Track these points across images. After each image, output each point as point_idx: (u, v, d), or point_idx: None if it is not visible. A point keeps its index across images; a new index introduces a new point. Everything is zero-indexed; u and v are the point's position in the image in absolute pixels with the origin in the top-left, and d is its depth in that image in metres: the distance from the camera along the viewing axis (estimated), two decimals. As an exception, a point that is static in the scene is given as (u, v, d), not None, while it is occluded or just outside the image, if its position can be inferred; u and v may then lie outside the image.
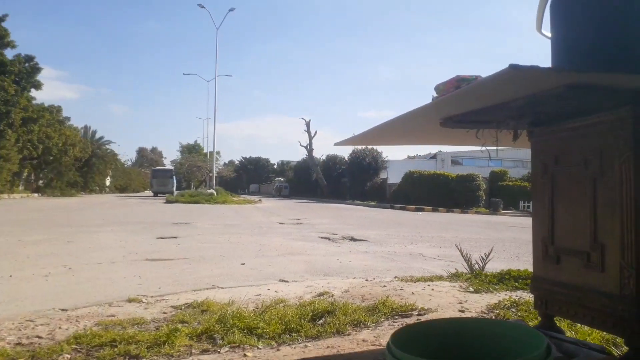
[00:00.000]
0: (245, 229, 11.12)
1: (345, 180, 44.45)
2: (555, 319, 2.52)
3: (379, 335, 3.01)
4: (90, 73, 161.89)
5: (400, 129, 3.00)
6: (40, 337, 2.90)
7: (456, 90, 2.13)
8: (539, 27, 2.40)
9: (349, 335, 3.03)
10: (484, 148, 3.00)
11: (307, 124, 46.98)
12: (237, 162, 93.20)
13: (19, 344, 2.77)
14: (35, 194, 36.84)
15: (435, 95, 2.40)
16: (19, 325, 3.14)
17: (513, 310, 3.56)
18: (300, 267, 5.84)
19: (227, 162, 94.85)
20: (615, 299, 1.95)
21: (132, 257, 6.42)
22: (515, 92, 1.98)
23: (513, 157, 40.05)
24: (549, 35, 2.23)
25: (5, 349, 2.62)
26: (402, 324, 3.22)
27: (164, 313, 3.50)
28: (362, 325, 3.21)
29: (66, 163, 40.36)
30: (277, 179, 68.92)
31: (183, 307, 3.64)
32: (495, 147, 2.91)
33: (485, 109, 2.27)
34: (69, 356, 2.55)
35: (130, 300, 3.87)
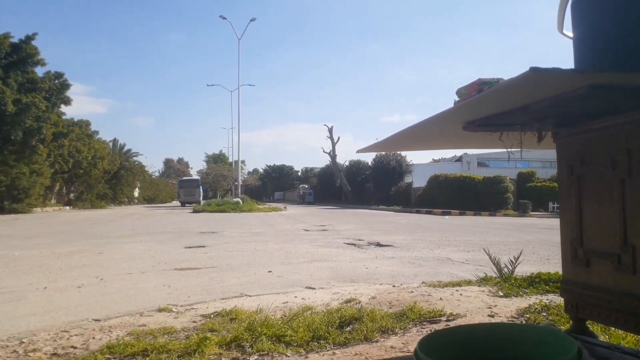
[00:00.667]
0: (271, 237, 11.19)
1: (370, 185, 44.32)
2: (587, 322, 2.47)
3: (407, 342, 2.99)
4: (116, 87, 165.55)
5: (423, 134, 2.99)
6: (74, 347, 2.97)
7: (478, 94, 2.12)
8: (561, 28, 2.37)
9: (377, 342, 3.02)
10: (509, 150, 2.97)
11: (330, 131, 47.06)
12: (261, 171, 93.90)
13: (54, 354, 2.85)
14: (67, 207, 37.79)
15: (457, 99, 2.39)
16: (54, 335, 3.24)
17: (544, 314, 3.50)
18: (326, 274, 5.85)
19: (251, 170, 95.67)
20: (648, 302, 1.91)
21: (161, 267, 6.53)
22: (538, 95, 1.96)
23: (541, 158, 39.30)
24: (571, 35, 2.21)
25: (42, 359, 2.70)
26: (430, 330, 3.20)
27: (194, 322, 3.55)
28: (390, 332, 3.20)
29: (95, 176, 41.31)
30: (301, 185, 69.16)
31: (212, 316, 3.68)
32: (519, 149, 2.88)
33: (508, 112, 2.25)
34: (102, 366, 2.62)
35: (160, 310, 3.94)
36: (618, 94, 1.82)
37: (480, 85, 2.19)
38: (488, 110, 2.28)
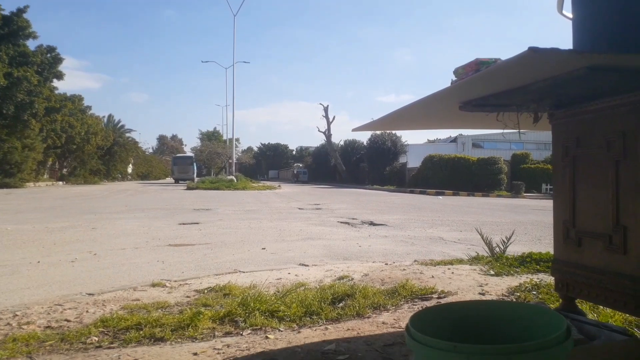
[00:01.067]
0: (265, 215, 11.21)
1: (364, 165, 44.32)
2: (576, 301, 2.50)
3: (399, 318, 3.03)
4: (110, 62, 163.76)
5: (419, 113, 2.98)
6: (68, 321, 2.99)
7: (476, 73, 2.10)
8: (560, 8, 2.35)
9: (368, 317, 3.06)
10: (504, 131, 2.97)
11: (326, 110, 46.80)
12: (255, 149, 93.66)
13: (48, 327, 2.87)
14: (60, 182, 37.63)
15: (454, 78, 2.37)
16: (48, 309, 3.25)
17: (534, 292, 3.55)
18: (319, 252, 5.88)
19: (245, 148, 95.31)
20: (637, 281, 1.94)
21: (155, 242, 6.54)
22: (536, 75, 1.95)
23: (535, 140, 39.38)
24: (570, 16, 2.19)
25: (36, 332, 2.71)
26: (421, 307, 3.24)
27: (187, 297, 3.57)
28: (381, 308, 3.24)
29: (89, 151, 41.05)
30: (295, 164, 69.09)
31: (206, 291, 3.71)
32: (516, 130, 2.87)
33: (505, 92, 2.24)
34: (96, 339, 2.64)
35: (154, 285, 3.96)
36: (616, 76, 1.81)
37: (478, 65, 2.17)
38: (485, 90, 2.27)
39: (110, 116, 60.96)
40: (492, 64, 2.08)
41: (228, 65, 57.26)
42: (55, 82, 33.44)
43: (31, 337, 2.61)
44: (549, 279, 3.91)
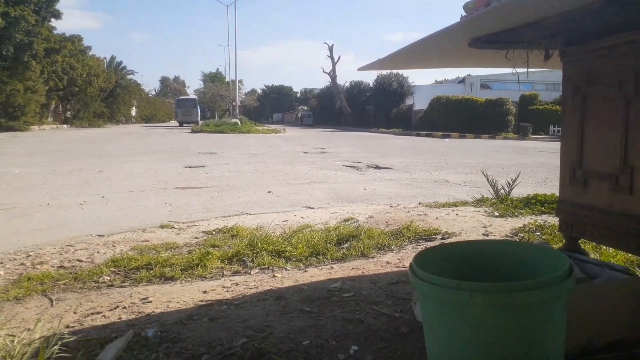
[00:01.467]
0: (271, 158, 11.23)
1: (370, 107, 43.79)
2: (580, 242, 2.53)
3: (403, 258, 3.09)
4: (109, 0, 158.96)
5: (428, 50, 2.90)
6: (80, 261, 3.07)
7: (486, 7, 2.02)
8: None
9: (373, 257, 3.12)
10: (514, 71, 2.90)
11: (330, 49, 45.66)
12: (259, 91, 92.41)
13: (61, 266, 2.95)
14: (64, 125, 37.59)
15: (464, 14, 2.29)
16: (60, 249, 3.33)
17: (538, 233, 3.59)
18: (325, 195, 5.93)
19: (249, 91, 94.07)
20: (642, 222, 1.94)
21: (162, 185, 6.60)
22: (549, 9, 1.88)
23: (544, 80, 38.51)
24: None
25: (50, 272, 2.79)
26: (425, 247, 3.29)
27: (196, 238, 3.64)
28: (386, 249, 3.30)
29: (91, 94, 40.69)
30: (300, 107, 68.38)
31: (213, 232, 3.77)
32: (525, 69, 2.80)
33: (516, 28, 2.16)
34: (108, 278, 2.71)
35: (162, 227, 4.03)
36: (634, 9, 1.74)
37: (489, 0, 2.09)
38: (496, 25, 2.19)
39: (112, 58, 59.72)
40: (503, -2, 1.99)
41: (229, 2, 55.47)
42: (54, 22, 32.64)
43: (45, 276, 2.69)
44: (553, 220, 3.94)
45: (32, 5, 28.52)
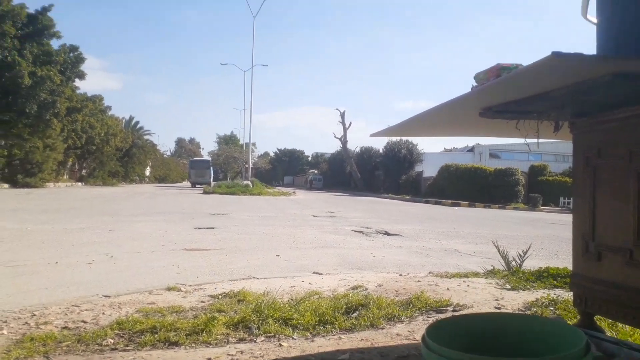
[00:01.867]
0: (280, 221, 11.23)
1: (380, 173, 44.18)
2: (595, 318, 2.46)
3: (413, 330, 3.01)
4: (130, 62, 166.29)
5: (439, 118, 2.97)
6: (85, 322, 3.03)
7: (497, 78, 2.09)
8: (585, 12, 2.33)
9: (383, 329, 3.04)
10: (526, 141, 2.94)
11: (342, 115, 46.79)
12: (272, 154, 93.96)
13: (65, 327, 2.90)
14: (79, 183, 38.19)
15: (475, 84, 2.36)
16: (65, 310, 3.29)
17: (551, 308, 3.50)
18: (333, 260, 5.87)
19: (262, 153, 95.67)
20: (659, 299, 1.90)
21: (171, 246, 6.59)
22: (558, 81, 1.93)
23: (554, 151, 38.85)
24: (595, 20, 2.16)
25: (53, 332, 2.75)
26: (436, 319, 3.21)
27: (202, 302, 3.59)
28: (396, 320, 3.22)
29: (108, 153, 41.61)
30: (310, 171, 69.08)
31: (220, 297, 3.72)
32: (535, 140, 2.85)
33: (527, 99, 2.22)
34: (112, 341, 2.66)
35: (169, 289, 3.99)
36: (642, 83, 1.78)
37: (499, 71, 2.16)
38: (506, 96, 2.25)
39: (130, 118, 61.59)
40: (513, 70, 2.06)
41: (247, 68, 57.50)
42: (77, 82, 33.96)
43: (48, 337, 2.65)
44: (566, 294, 3.85)
45: (58, 65, 29.80)
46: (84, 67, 33.41)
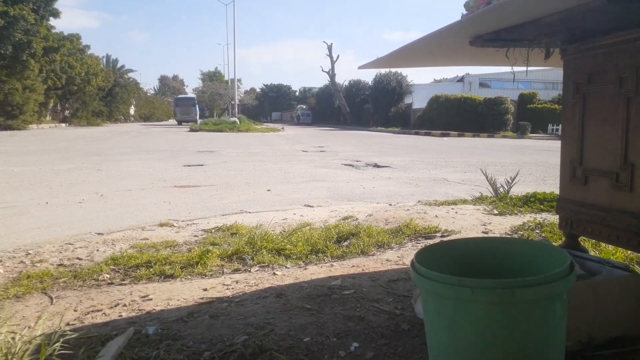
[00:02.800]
0: (270, 157, 11.23)
1: (369, 106, 43.77)
2: (579, 239, 2.53)
3: (403, 256, 3.09)
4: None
5: (429, 48, 2.89)
6: (80, 259, 3.06)
7: (487, 5, 2.02)
8: None
9: (373, 255, 3.12)
10: (513, 69, 2.89)
11: (329, 48, 45.60)
12: (258, 90, 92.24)
13: (61, 265, 2.94)
14: (63, 124, 37.51)
15: (465, 12, 2.29)
16: (59, 248, 3.32)
17: (537, 231, 3.59)
18: (324, 193, 5.93)
19: (248, 89, 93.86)
20: (642, 219, 1.95)
21: (161, 184, 6.59)
22: (550, 7, 1.87)
23: (543, 79, 38.52)
24: None
25: (49, 270, 2.79)
26: (425, 245, 3.29)
27: (195, 236, 3.64)
28: (385, 247, 3.30)
29: (90, 92, 40.61)
30: (299, 106, 68.32)
31: (213, 231, 3.77)
32: (525, 68, 2.80)
33: (517, 26, 2.16)
34: (108, 276, 2.71)
35: (162, 225, 4.03)
36: (636, 7, 1.74)
37: (490, -3, 2.09)
38: (497, 23, 2.19)
39: (108, 56, 59.46)
40: (505, -4, 1.99)
41: (228, 1, 55.33)
42: (52, 21, 32.52)
43: (45, 274, 2.69)
44: (552, 218, 3.94)
45: (30, 4, 28.43)
46: (58, 5, 31.91)
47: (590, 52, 2.24)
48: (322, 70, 47.66)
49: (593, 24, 2.06)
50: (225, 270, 2.83)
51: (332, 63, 45.61)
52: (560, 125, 3.11)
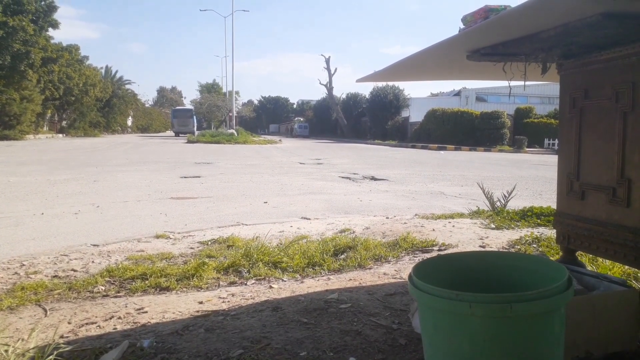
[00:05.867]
0: (267, 169, 11.22)
1: (366, 119, 43.92)
2: (577, 254, 2.53)
3: (400, 269, 3.08)
4: (108, 11, 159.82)
5: (426, 62, 2.91)
6: (75, 271, 3.04)
7: (484, 20, 2.04)
8: None
9: (370, 269, 3.11)
10: (508, 84, 2.91)
11: (327, 61, 45.87)
12: (256, 102, 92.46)
13: (55, 276, 2.92)
14: (60, 135, 37.49)
15: (462, 27, 2.31)
16: (54, 259, 3.30)
17: (534, 245, 3.59)
18: (321, 206, 5.92)
19: (246, 101, 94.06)
20: (638, 234, 1.95)
21: (157, 195, 6.57)
22: (547, 22, 1.89)
23: (540, 94, 38.81)
24: None
25: (44, 281, 2.76)
26: (422, 259, 3.28)
27: (191, 248, 3.62)
28: (383, 260, 3.29)
29: (87, 103, 40.67)
30: (296, 118, 68.44)
31: (209, 243, 3.75)
32: (522, 82, 2.82)
33: (514, 41, 2.18)
34: (103, 288, 2.69)
35: (158, 237, 4.01)
36: (630, 23, 1.75)
37: (487, 12, 2.11)
38: (494, 38, 2.21)
39: (107, 67, 59.65)
40: (501, 11, 2.01)
41: (227, 14, 55.71)
42: (51, 32, 32.69)
43: (39, 285, 2.66)
44: (549, 232, 3.94)
45: (30, 15, 28.59)
46: (57, 16, 32.04)
47: (587, 67, 2.26)
48: (320, 83, 47.92)
49: (589, 39, 2.08)
50: (221, 283, 2.81)
51: (330, 76, 45.86)
52: (556, 140, 3.12)
